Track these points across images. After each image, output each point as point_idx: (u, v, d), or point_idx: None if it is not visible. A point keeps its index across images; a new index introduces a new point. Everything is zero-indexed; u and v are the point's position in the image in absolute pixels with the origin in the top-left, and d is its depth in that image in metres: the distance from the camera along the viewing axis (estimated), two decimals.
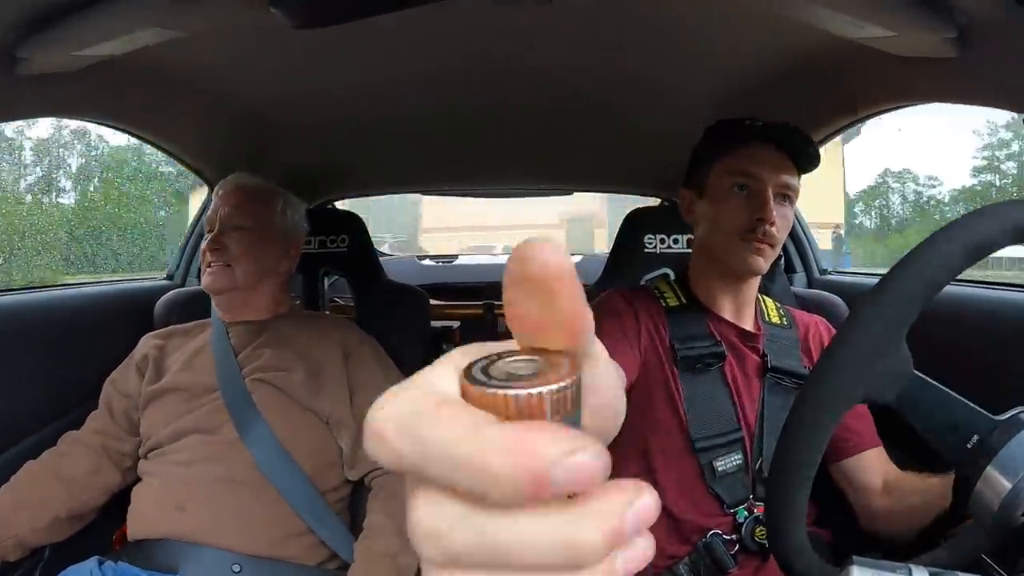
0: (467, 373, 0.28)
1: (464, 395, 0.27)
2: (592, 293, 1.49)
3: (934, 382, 0.54)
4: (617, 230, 1.59)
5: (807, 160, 1.07)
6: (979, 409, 0.54)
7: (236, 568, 1.09)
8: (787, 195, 1.06)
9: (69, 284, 1.61)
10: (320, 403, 1.26)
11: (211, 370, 1.26)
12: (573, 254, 2.90)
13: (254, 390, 1.23)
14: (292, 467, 1.18)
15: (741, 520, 1.01)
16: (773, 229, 1.03)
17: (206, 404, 1.23)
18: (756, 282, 1.13)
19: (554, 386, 0.26)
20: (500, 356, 0.30)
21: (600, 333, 0.35)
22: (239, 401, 1.22)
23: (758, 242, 1.03)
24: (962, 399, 0.54)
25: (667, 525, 1.03)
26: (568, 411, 0.27)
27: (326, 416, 1.26)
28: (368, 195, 2.58)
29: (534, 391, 0.26)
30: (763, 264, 1.05)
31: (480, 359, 0.30)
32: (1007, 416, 0.53)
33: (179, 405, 1.23)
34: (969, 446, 0.53)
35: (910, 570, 0.49)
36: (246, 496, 1.15)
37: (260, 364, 1.27)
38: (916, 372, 0.54)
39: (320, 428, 1.26)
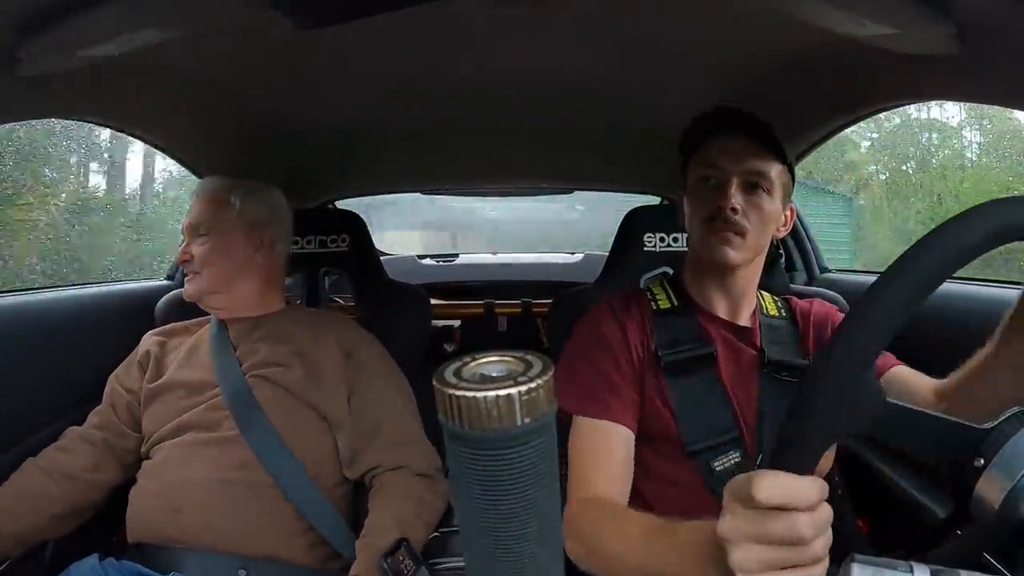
0: (439, 376, 0.29)
1: (437, 397, 0.28)
2: (592, 291, 1.50)
3: (909, 406, 0.54)
4: None
5: (776, 146, 1.04)
6: (963, 423, 0.53)
7: (242, 573, 1.09)
8: (757, 183, 1.03)
9: (71, 284, 1.61)
10: (319, 399, 1.26)
11: (209, 367, 1.27)
12: (573, 253, 2.90)
13: (254, 386, 1.23)
14: (293, 463, 1.18)
15: None
16: (737, 217, 1.01)
17: (205, 401, 1.23)
18: (747, 276, 1.09)
19: (523, 387, 0.27)
20: (473, 359, 0.31)
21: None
22: (239, 397, 1.22)
23: (722, 231, 1.02)
24: (943, 417, 0.53)
25: None
26: (541, 411, 0.28)
27: (324, 413, 1.26)
28: (368, 194, 2.58)
29: (502, 392, 0.27)
30: (731, 254, 1.02)
31: (452, 362, 0.30)
32: (1005, 416, 0.53)
33: (179, 402, 1.24)
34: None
35: (911, 567, 0.49)
36: (245, 495, 1.15)
37: (258, 360, 1.28)
38: (889, 400, 0.53)
39: (319, 424, 1.26)
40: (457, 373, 0.29)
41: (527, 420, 0.27)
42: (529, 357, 0.30)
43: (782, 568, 0.54)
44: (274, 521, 1.15)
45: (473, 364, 0.30)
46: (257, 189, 1.40)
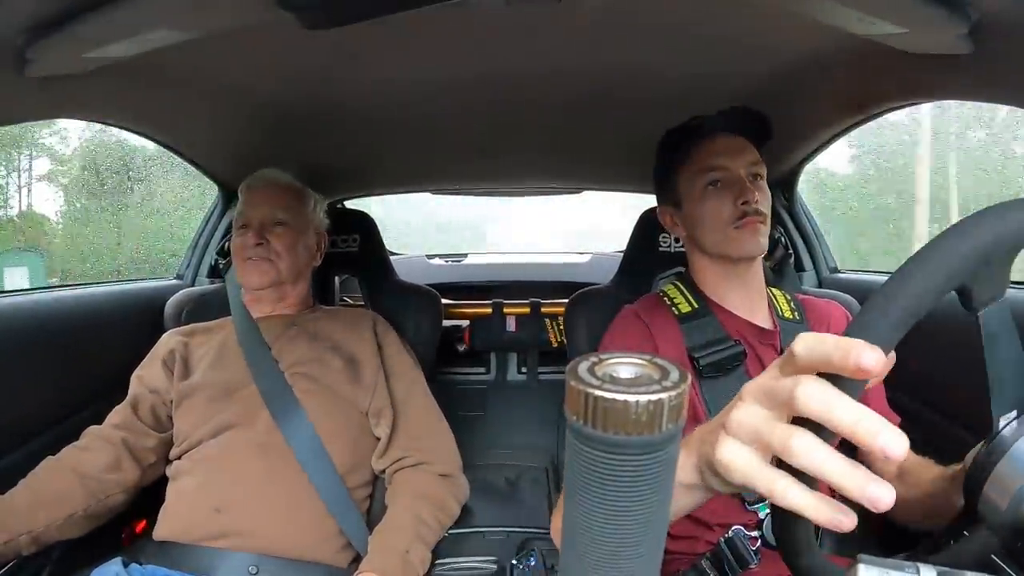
0: (575, 374, 0.27)
1: (571, 396, 0.27)
2: (608, 291, 1.49)
3: None
4: None
5: (763, 134, 1.12)
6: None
7: (252, 570, 1.09)
8: (758, 172, 1.10)
9: (80, 284, 1.62)
10: (359, 393, 1.27)
11: (241, 366, 1.26)
12: (583, 253, 2.90)
13: (294, 384, 1.24)
14: (327, 462, 1.19)
15: (762, 516, 1.00)
16: (760, 206, 1.07)
17: (240, 400, 1.23)
18: (759, 269, 1.14)
19: (672, 392, 0.26)
20: (600, 359, 0.30)
21: None
22: (278, 395, 1.22)
23: (750, 224, 1.07)
24: None
25: (689, 523, 1.02)
26: (680, 417, 0.27)
27: (365, 407, 1.27)
28: (380, 194, 2.58)
29: (654, 397, 0.26)
30: (762, 242, 1.08)
31: (583, 360, 0.29)
32: (1002, 426, 0.53)
33: (213, 403, 1.23)
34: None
35: (918, 569, 0.48)
36: (282, 495, 1.15)
37: (296, 358, 1.28)
38: None
39: (357, 420, 1.27)
40: (592, 371, 0.28)
41: (669, 426, 0.26)
42: (660, 361, 0.29)
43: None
44: (307, 524, 1.15)
45: (602, 364, 0.29)
46: (320, 196, 1.46)
